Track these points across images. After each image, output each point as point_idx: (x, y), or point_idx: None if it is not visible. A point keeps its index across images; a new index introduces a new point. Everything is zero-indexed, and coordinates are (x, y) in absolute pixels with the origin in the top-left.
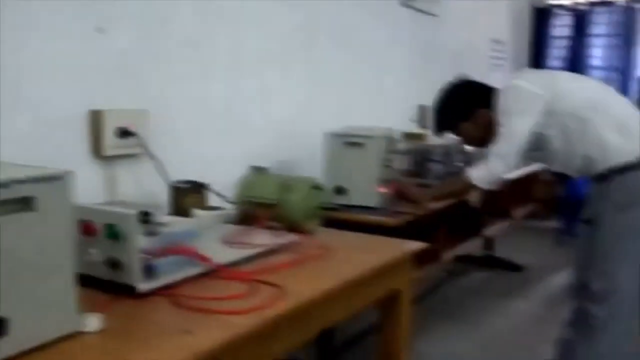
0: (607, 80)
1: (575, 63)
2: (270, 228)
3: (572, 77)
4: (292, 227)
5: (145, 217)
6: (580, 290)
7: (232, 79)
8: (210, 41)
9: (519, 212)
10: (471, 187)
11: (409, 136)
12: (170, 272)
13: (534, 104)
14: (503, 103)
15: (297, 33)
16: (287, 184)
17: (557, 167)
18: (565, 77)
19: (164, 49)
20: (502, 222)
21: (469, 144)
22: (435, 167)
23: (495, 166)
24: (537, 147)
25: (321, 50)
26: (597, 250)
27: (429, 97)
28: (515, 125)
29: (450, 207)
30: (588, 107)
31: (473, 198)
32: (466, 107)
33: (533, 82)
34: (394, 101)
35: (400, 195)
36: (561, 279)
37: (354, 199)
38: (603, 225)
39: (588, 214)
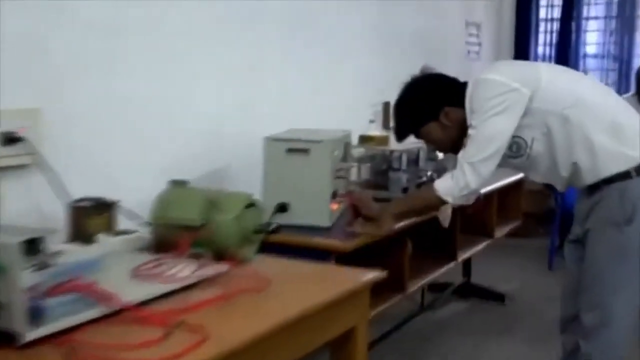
0: (603, 71)
1: (566, 50)
2: (193, 256)
3: (557, 70)
4: (221, 254)
5: (32, 246)
6: (570, 323)
7: (148, 72)
8: (121, 25)
9: (502, 229)
10: (440, 201)
11: (368, 140)
12: (65, 315)
13: (511, 101)
14: (474, 101)
15: (233, 15)
16: (215, 202)
17: (539, 178)
18: (548, 70)
19: (63, 34)
20: (482, 243)
21: (439, 149)
22: (400, 178)
23: (465, 176)
24: (515, 153)
25: (262, 37)
26: (587, 275)
27: (394, 92)
28: (490, 127)
29: (418, 226)
30: (576, 106)
31: (443, 215)
32: (433, 104)
33: (510, 75)
34: (351, 98)
35: (356, 213)
36: (553, 310)
37: (300, 217)
38: (594, 245)
39: (576, 232)
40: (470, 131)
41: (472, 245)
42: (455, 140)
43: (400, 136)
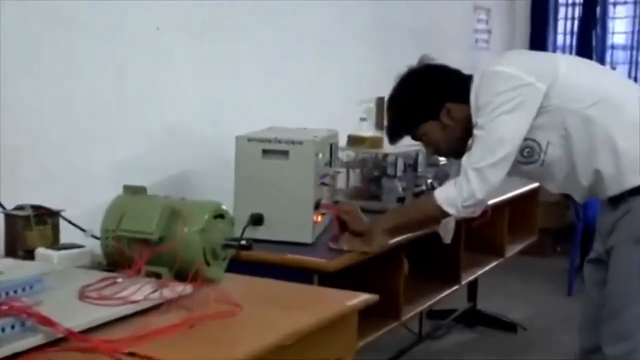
0: (632, 64)
1: (589, 40)
2: (151, 275)
3: (578, 62)
4: (184, 273)
5: None
6: (590, 356)
7: (99, 64)
8: (67, 16)
9: (514, 247)
10: (441, 213)
11: (358, 141)
12: None
13: (524, 97)
14: (481, 96)
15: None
16: (177, 211)
17: (555, 187)
18: (568, 62)
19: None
20: (490, 262)
21: (439, 152)
22: (394, 186)
23: (470, 184)
24: (527, 158)
25: (237, 24)
26: (610, 300)
27: (390, 86)
28: (499, 128)
29: (415, 243)
30: (599, 104)
31: (444, 230)
32: (432, 100)
33: (523, 67)
34: (340, 93)
35: (342, 227)
36: (572, 341)
37: (277, 231)
38: (618, 265)
39: (598, 250)
40: (476, 132)
41: (479, 265)
42: (458, 142)
43: (394, 137)
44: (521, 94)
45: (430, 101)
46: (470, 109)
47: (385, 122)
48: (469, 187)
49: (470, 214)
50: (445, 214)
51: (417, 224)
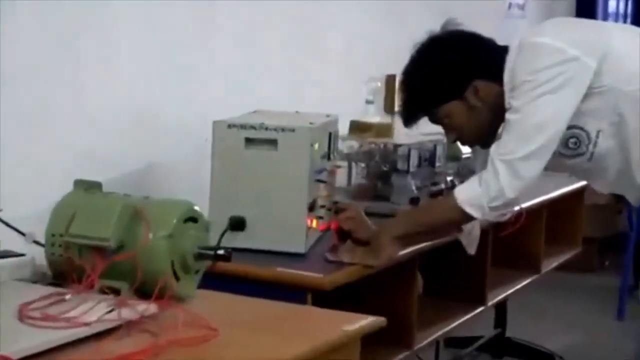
0: None
1: None
2: (107, 291)
3: (635, 34)
4: (148, 289)
5: None
6: None
7: (46, 31)
8: None
9: (552, 260)
10: (464, 216)
11: (363, 128)
12: None
13: (570, 74)
14: (518, 73)
15: None
16: (140, 213)
17: (605, 186)
18: (623, 34)
19: None
20: (523, 279)
21: (463, 140)
22: (407, 183)
23: (498, 180)
24: (572, 151)
25: None
26: None
27: (402, 61)
28: (539, 111)
29: (432, 254)
30: None
31: (467, 238)
32: (458, 75)
33: (568, 39)
34: (342, 69)
35: (343, 236)
36: None
37: (262, 239)
38: None
39: None
40: (508, 116)
41: (509, 282)
42: (486, 128)
43: (409, 119)
44: (567, 71)
45: (454, 76)
46: (502, 88)
47: (398, 102)
48: (498, 183)
49: (498, 218)
50: (468, 218)
51: (433, 230)
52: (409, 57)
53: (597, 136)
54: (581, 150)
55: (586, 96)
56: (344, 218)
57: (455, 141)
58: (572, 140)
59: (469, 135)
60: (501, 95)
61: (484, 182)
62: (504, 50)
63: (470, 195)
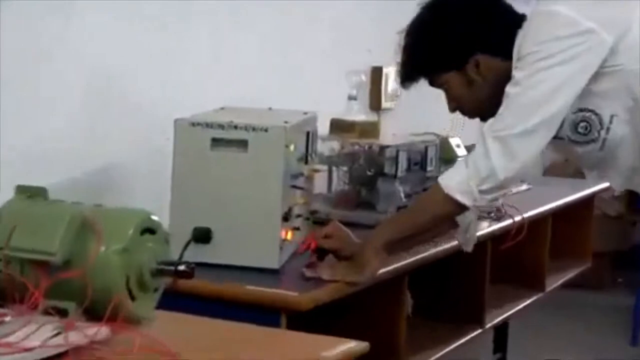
0: None
1: None
2: (52, 312)
3: None
4: (99, 309)
5: None
6: None
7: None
8: None
9: (558, 277)
10: (454, 206)
11: (346, 127)
12: None
13: (582, 48)
14: (525, 42)
15: None
16: (90, 223)
17: (618, 180)
18: None
19: None
20: (525, 298)
21: (462, 110)
22: (395, 189)
23: (489, 158)
24: (582, 136)
25: None
26: None
27: (389, 53)
28: (542, 84)
29: (422, 268)
30: None
31: (463, 235)
32: (458, 45)
33: (584, 9)
34: (322, 61)
35: (321, 253)
36: None
37: (230, 252)
38: None
39: None
40: (508, 88)
41: (510, 301)
42: (486, 103)
43: (406, 80)
44: (579, 44)
45: (456, 48)
46: (509, 64)
47: (387, 100)
48: (489, 162)
49: (491, 204)
50: (459, 208)
51: (423, 230)
52: (418, 9)
53: (611, 122)
54: (592, 136)
55: (598, 75)
56: (322, 237)
57: (454, 111)
58: (582, 124)
59: (468, 108)
60: (506, 71)
61: (472, 163)
62: (520, 19)
63: (456, 179)
